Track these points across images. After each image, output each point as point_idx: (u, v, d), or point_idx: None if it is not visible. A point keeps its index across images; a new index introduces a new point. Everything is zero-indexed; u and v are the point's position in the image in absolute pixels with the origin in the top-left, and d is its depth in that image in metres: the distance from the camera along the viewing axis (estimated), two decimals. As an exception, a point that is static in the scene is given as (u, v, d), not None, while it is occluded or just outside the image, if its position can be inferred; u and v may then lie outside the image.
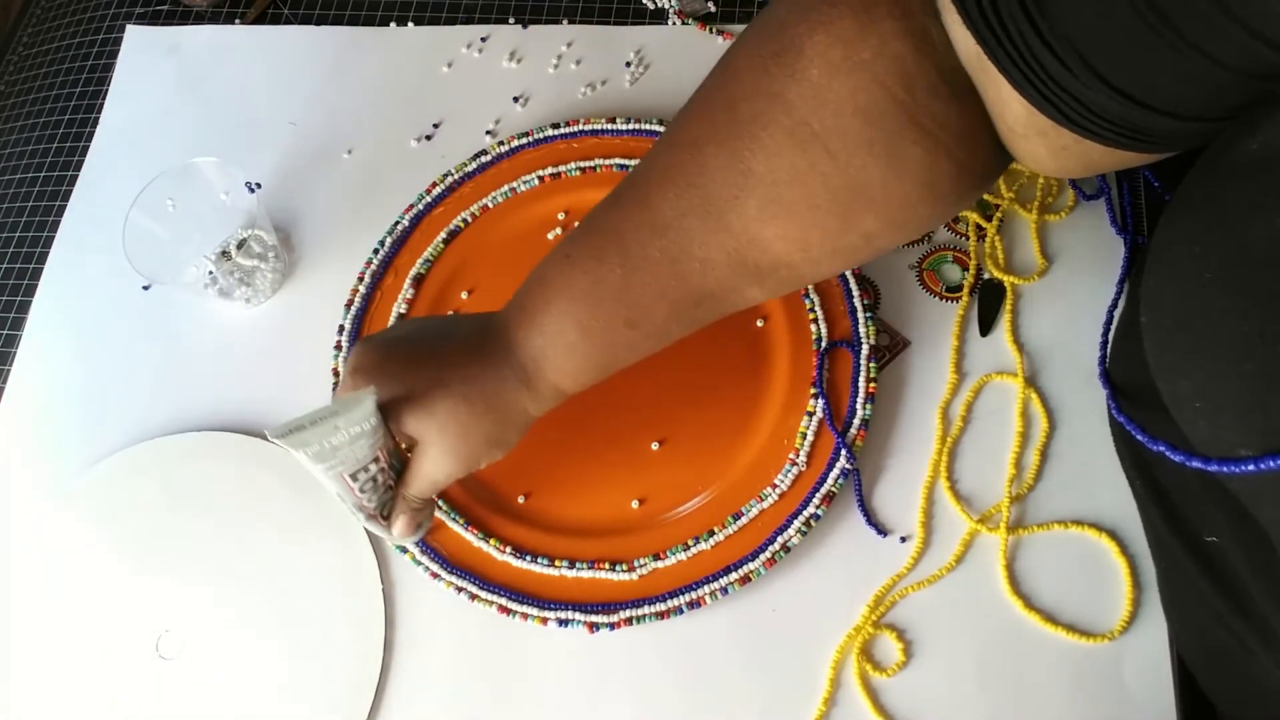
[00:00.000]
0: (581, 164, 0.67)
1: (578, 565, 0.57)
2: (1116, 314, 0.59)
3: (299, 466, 0.61)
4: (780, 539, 0.56)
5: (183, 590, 0.60)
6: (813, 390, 0.59)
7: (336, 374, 0.63)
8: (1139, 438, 0.43)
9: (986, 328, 0.61)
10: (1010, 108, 0.38)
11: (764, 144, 0.41)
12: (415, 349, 0.49)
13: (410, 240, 0.67)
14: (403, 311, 0.65)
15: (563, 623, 0.55)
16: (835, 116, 0.40)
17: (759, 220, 0.43)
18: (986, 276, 0.63)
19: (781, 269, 0.45)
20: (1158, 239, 0.35)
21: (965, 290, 0.62)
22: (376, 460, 0.48)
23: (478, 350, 0.49)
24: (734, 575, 0.55)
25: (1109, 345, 0.57)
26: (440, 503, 0.59)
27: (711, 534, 0.57)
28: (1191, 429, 0.34)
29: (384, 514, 0.51)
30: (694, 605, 0.55)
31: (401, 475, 0.51)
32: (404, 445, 0.52)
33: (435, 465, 0.49)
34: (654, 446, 0.60)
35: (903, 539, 0.57)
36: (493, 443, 0.50)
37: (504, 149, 0.69)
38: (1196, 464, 0.34)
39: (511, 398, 0.49)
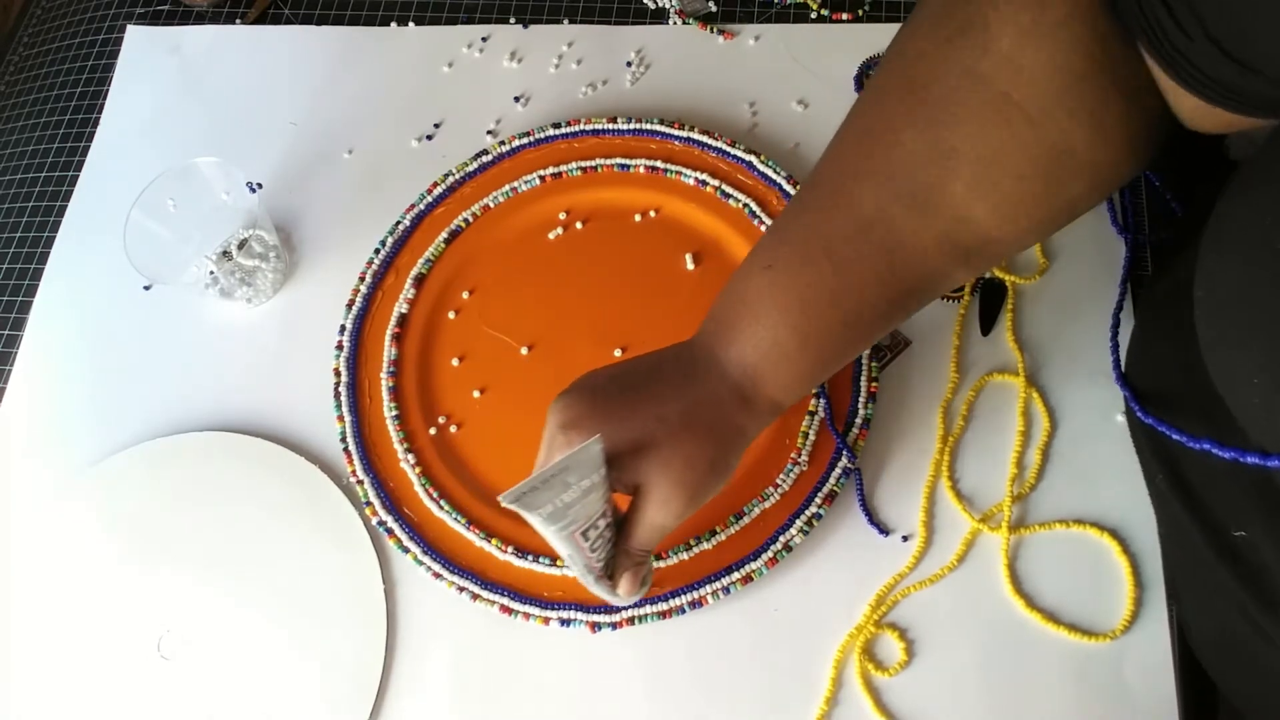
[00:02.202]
0: (582, 164, 0.67)
1: (579, 565, 0.57)
2: (1122, 316, 0.59)
3: (299, 467, 0.62)
4: (782, 538, 0.56)
5: (184, 590, 0.60)
6: (814, 390, 0.59)
7: (338, 374, 0.63)
8: (1176, 437, 0.43)
9: (987, 327, 0.61)
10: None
11: (964, 122, 0.41)
12: (622, 392, 0.47)
13: (411, 240, 0.67)
14: (404, 312, 0.65)
15: (564, 622, 0.55)
16: (1033, 84, 0.39)
17: (967, 200, 0.43)
18: (987, 275, 0.63)
19: (989, 246, 0.45)
20: (1219, 214, 0.35)
21: (966, 289, 0.62)
22: (605, 515, 0.47)
23: (687, 379, 0.47)
24: (736, 575, 0.55)
25: (1120, 349, 0.57)
26: (441, 502, 0.59)
27: (713, 533, 0.57)
28: (1245, 409, 0.34)
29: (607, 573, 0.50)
30: (696, 605, 0.55)
31: (621, 530, 0.49)
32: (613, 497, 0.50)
33: (662, 508, 0.47)
34: (655, 446, 0.60)
35: (904, 538, 0.57)
36: (717, 471, 0.48)
37: (505, 149, 0.69)
38: (1252, 459, 0.34)
39: (731, 420, 0.47)
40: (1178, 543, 0.50)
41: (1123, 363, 0.57)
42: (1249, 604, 0.43)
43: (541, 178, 0.68)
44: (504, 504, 0.43)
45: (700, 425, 0.47)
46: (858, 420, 0.58)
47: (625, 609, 0.55)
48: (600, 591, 0.50)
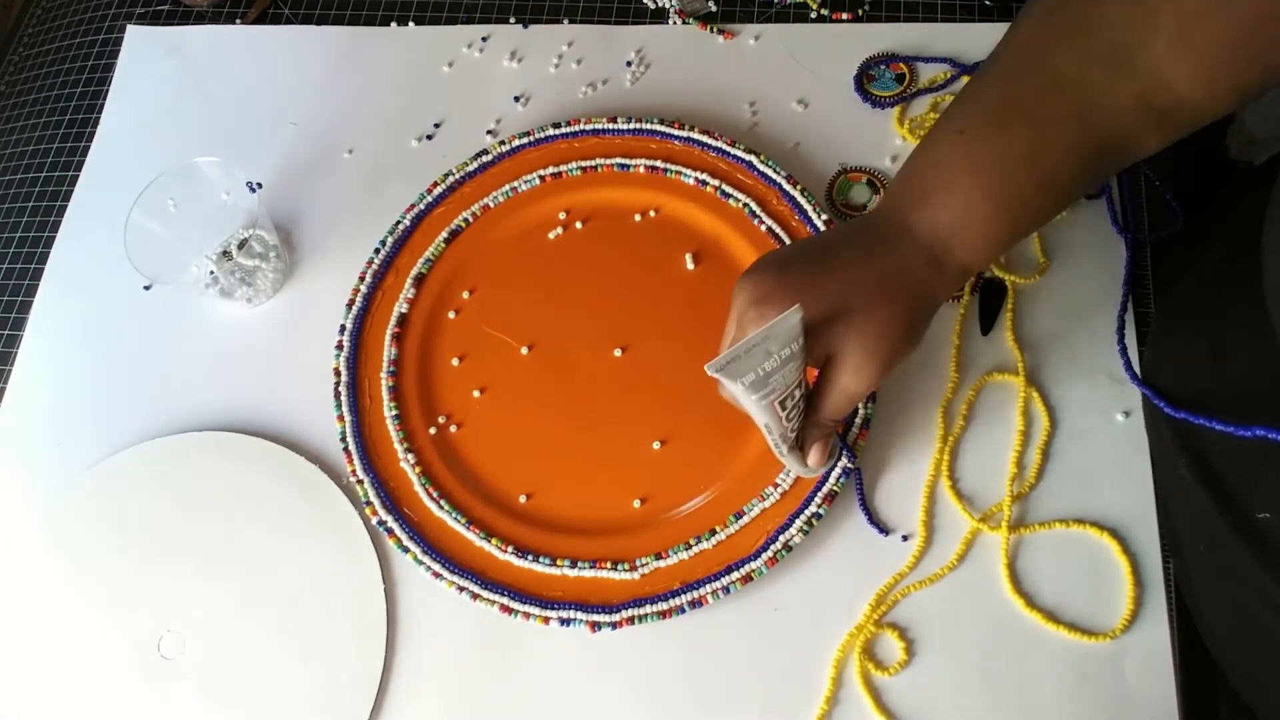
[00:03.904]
0: (583, 163, 0.67)
1: (579, 564, 0.57)
2: (1128, 317, 0.59)
3: (299, 467, 0.62)
4: (782, 538, 0.56)
5: (184, 590, 0.60)
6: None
7: (338, 373, 0.63)
8: (1221, 428, 0.44)
9: (988, 326, 0.61)
10: None
11: None
12: (811, 263, 0.48)
13: (411, 240, 0.67)
14: (404, 311, 0.65)
15: (564, 622, 0.55)
16: None
17: (1167, 60, 0.43)
18: (987, 275, 0.63)
19: (1185, 109, 0.44)
20: None
21: (966, 289, 0.62)
22: (801, 385, 0.47)
23: (878, 245, 0.48)
24: (736, 574, 0.55)
25: (1128, 350, 0.58)
26: (441, 502, 0.59)
27: (713, 533, 0.57)
28: None
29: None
30: (696, 604, 0.55)
31: (810, 401, 0.50)
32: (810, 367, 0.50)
33: (855, 375, 0.47)
34: (655, 446, 0.60)
35: (904, 538, 0.57)
36: (908, 337, 0.48)
37: (505, 148, 0.69)
38: None
39: (922, 283, 0.48)
40: (1197, 534, 0.51)
41: (1135, 363, 0.57)
42: (1270, 586, 0.43)
43: (541, 177, 0.68)
44: (709, 372, 0.44)
45: (894, 290, 0.47)
46: (858, 420, 0.58)
47: (624, 610, 0.55)
48: (791, 461, 0.51)
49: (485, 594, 0.56)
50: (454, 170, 0.69)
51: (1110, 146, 0.46)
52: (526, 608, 0.56)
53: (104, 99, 0.78)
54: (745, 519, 0.57)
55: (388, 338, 0.64)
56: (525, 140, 0.69)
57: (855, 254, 0.48)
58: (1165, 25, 0.42)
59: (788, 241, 0.63)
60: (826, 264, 0.48)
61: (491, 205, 0.68)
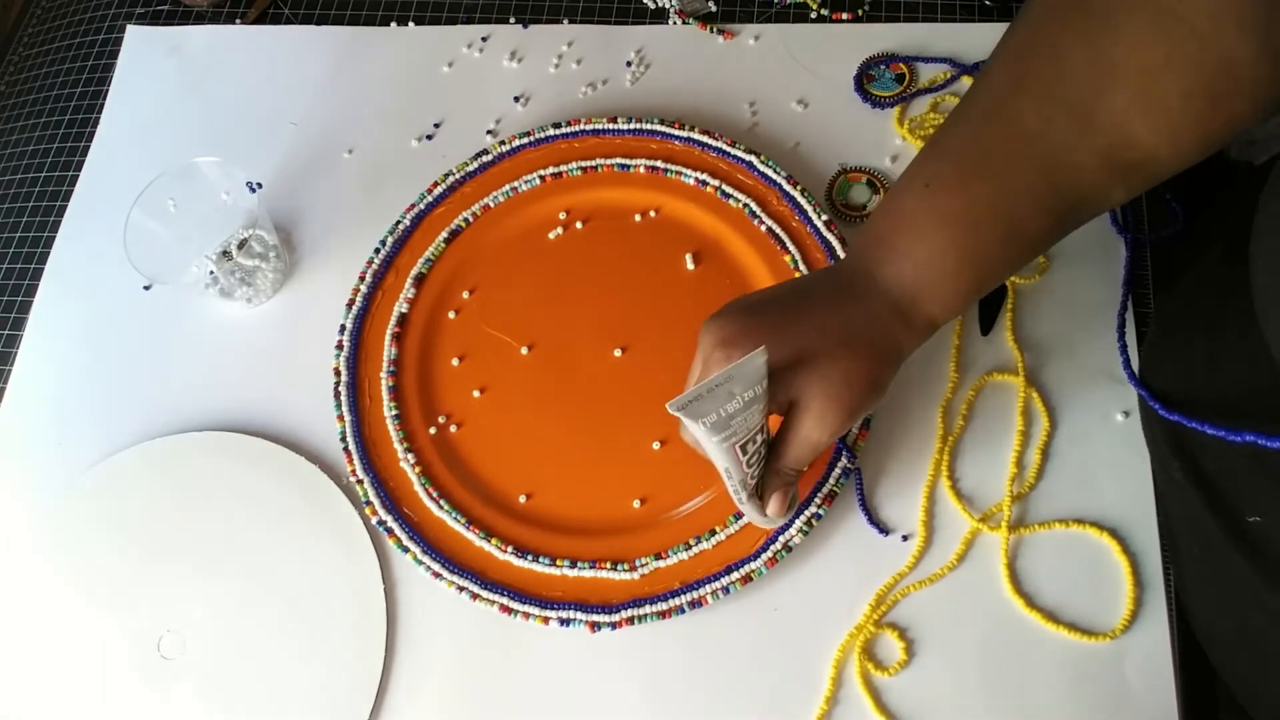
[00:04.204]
0: (583, 163, 0.67)
1: (579, 564, 0.57)
2: (1128, 317, 0.59)
3: (299, 467, 0.62)
4: (782, 538, 0.56)
5: (184, 590, 0.60)
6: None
7: (337, 373, 0.63)
8: (1213, 432, 0.44)
9: (987, 326, 0.61)
10: None
11: (1126, 35, 0.41)
12: (778, 309, 0.48)
13: (411, 240, 0.67)
14: (404, 311, 0.65)
15: (564, 622, 0.55)
16: None
17: (1128, 114, 0.43)
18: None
19: (1148, 164, 0.44)
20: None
21: (966, 289, 0.62)
22: (763, 430, 0.47)
23: (844, 297, 0.48)
24: (736, 574, 0.55)
25: (1128, 349, 0.58)
26: (441, 502, 0.59)
27: (713, 533, 0.57)
28: None
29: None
30: (695, 604, 0.55)
31: (772, 449, 0.49)
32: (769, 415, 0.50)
33: (817, 423, 0.47)
34: (655, 446, 0.60)
35: (904, 538, 0.57)
36: (873, 387, 0.47)
37: (505, 148, 0.69)
38: None
39: (888, 336, 0.47)
40: (1191, 536, 0.51)
41: (1133, 363, 0.57)
42: (1261, 589, 0.43)
43: (541, 177, 0.68)
44: (670, 410, 0.44)
45: (859, 341, 0.47)
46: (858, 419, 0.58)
47: (623, 610, 0.55)
48: (750, 511, 0.50)
49: (485, 594, 0.56)
50: (454, 170, 0.69)
51: (1075, 200, 0.46)
52: (526, 608, 0.56)
53: (104, 99, 0.78)
54: (745, 519, 0.57)
55: (388, 338, 0.64)
56: (525, 140, 0.69)
57: (823, 303, 0.48)
58: (1126, 80, 0.42)
59: (788, 242, 0.63)
60: (794, 311, 0.48)
61: (492, 205, 0.68)
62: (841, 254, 0.62)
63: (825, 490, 0.56)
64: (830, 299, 0.48)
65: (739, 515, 0.57)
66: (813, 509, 0.56)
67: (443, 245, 0.67)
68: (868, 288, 0.48)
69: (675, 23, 0.74)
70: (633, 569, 0.56)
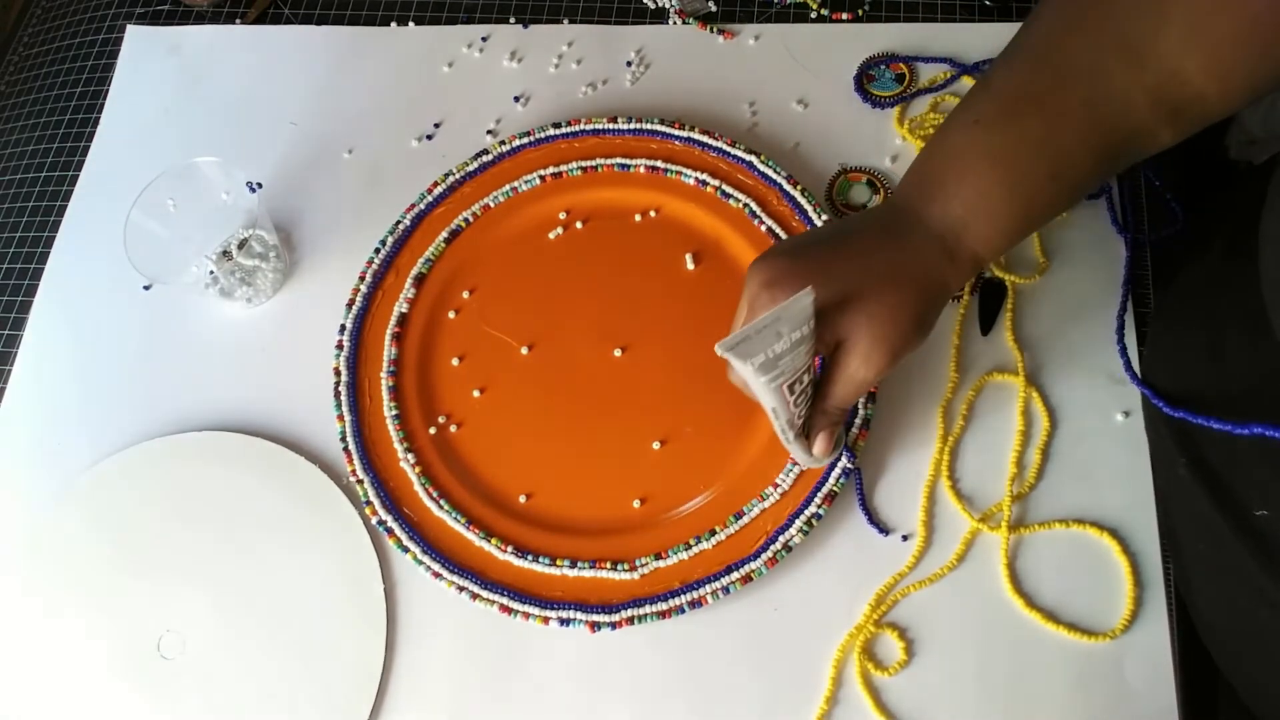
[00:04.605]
0: (583, 163, 0.67)
1: (579, 564, 0.57)
2: (1128, 318, 0.59)
3: (299, 467, 0.62)
4: (782, 538, 0.56)
5: (184, 590, 0.60)
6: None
7: (337, 373, 0.63)
8: (1219, 427, 0.45)
9: (987, 326, 0.61)
10: None
11: None
12: (824, 249, 0.48)
13: (411, 240, 0.67)
14: (404, 311, 0.65)
15: (564, 622, 0.55)
16: None
17: (1179, 52, 0.43)
18: (987, 275, 0.63)
19: (1198, 105, 0.44)
20: None
21: (966, 289, 0.62)
22: (810, 371, 0.47)
23: (891, 236, 0.48)
24: (735, 574, 0.55)
25: (1128, 350, 0.58)
26: (441, 501, 0.59)
27: (713, 533, 0.57)
28: None
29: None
30: (695, 605, 0.55)
31: (819, 390, 0.49)
32: (819, 355, 0.50)
33: (864, 362, 0.47)
34: (655, 446, 0.60)
35: (904, 538, 0.57)
36: (918, 326, 0.47)
37: (505, 148, 0.69)
38: None
39: (935, 273, 0.47)
40: (1196, 533, 0.51)
41: (1134, 363, 0.57)
42: (1269, 584, 0.43)
43: (542, 177, 0.68)
44: (719, 352, 0.44)
45: (905, 278, 0.47)
46: (857, 420, 0.58)
47: (623, 610, 0.55)
48: (796, 450, 0.51)
49: (485, 594, 0.56)
50: (454, 170, 0.69)
51: (1123, 140, 0.46)
52: (526, 608, 0.56)
53: (104, 99, 0.78)
54: (745, 519, 0.57)
55: (388, 337, 0.64)
56: (525, 140, 0.69)
57: (869, 241, 0.48)
58: (1177, 17, 0.42)
59: (788, 241, 0.63)
60: (840, 250, 0.48)
61: (492, 205, 0.68)
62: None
63: (825, 490, 0.56)
64: (876, 238, 0.48)
65: (739, 515, 0.57)
66: (813, 509, 0.56)
67: (443, 245, 0.67)
68: (913, 225, 0.48)
69: (675, 23, 0.74)
70: (633, 569, 0.56)
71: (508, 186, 0.68)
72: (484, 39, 0.75)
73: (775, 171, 0.65)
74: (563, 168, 0.67)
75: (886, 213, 0.49)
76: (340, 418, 0.62)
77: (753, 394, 0.48)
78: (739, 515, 0.57)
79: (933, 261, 0.47)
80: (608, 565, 0.57)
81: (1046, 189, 0.46)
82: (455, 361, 0.64)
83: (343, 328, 0.65)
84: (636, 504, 0.59)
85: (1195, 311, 0.54)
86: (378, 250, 0.67)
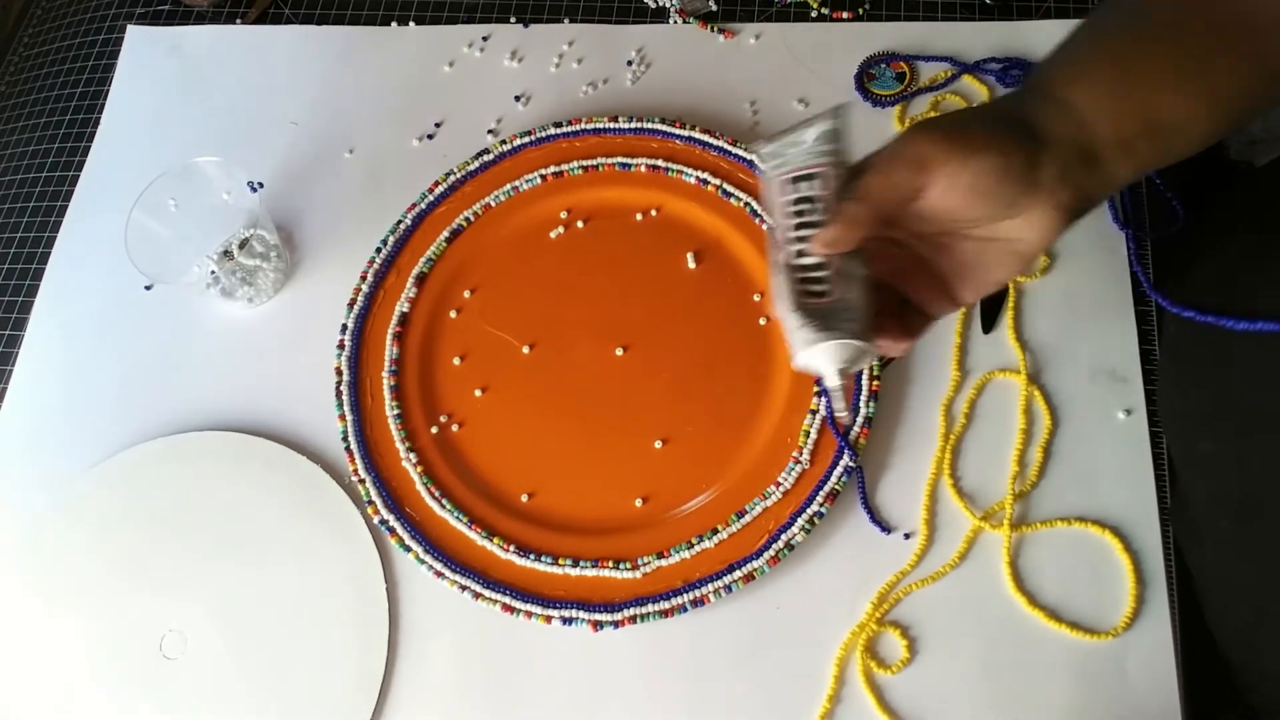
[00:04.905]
0: (584, 162, 0.67)
1: (581, 563, 0.57)
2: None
3: (301, 466, 0.62)
4: (784, 537, 0.56)
5: (186, 589, 0.60)
6: (815, 388, 0.59)
7: (339, 373, 0.63)
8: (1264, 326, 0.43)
9: (989, 325, 0.61)
10: None
11: None
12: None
13: (413, 239, 0.67)
14: (405, 311, 0.65)
15: (566, 621, 0.55)
16: None
17: None
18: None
19: None
20: None
21: (968, 288, 0.62)
22: (818, 172, 0.41)
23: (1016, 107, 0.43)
24: (738, 573, 0.55)
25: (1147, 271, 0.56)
26: (443, 501, 0.59)
27: (715, 532, 0.57)
28: None
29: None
30: (698, 603, 0.55)
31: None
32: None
33: (945, 189, 0.40)
34: (657, 445, 0.60)
35: (906, 536, 0.57)
36: (1004, 177, 0.40)
37: (506, 148, 0.69)
38: None
39: (1026, 120, 0.42)
40: (1219, 510, 0.50)
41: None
42: None
43: (543, 177, 0.68)
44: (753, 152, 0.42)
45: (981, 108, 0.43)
46: (859, 418, 0.58)
47: (626, 609, 0.55)
48: (776, 282, 0.42)
49: (487, 593, 0.56)
50: (455, 169, 0.69)
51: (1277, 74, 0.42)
52: (528, 607, 0.56)
53: (104, 99, 0.78)
54: (747, 518, 0.57)
55: (389, 337, 0.64)
56: (526, 139, 0.69)
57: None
58: None
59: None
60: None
61: (493, 204, 0.68)
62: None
63: (827, 489, 0.56)
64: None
65: (741, 514, 0.57)
66: (815, 507, 0.56)
67: (444, 244, 0.67)
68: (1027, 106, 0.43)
69: (676, 22, 0.74)
70: (635, 568, 0.56)
71: (509, 186, 0.68)
72: (485, 38, 0.75)
73: (776, 170, 0.65)
74: (564, 167, 0.68)
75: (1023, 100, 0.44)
76: (342, 417, 0.62)
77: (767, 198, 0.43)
78: (741, 514, 0.57)
79: (1038, 118, 0.42)
80: (610, 564, 0.57)
81: (1198, 111, 0.42)
82: (457, 361, 0.64)
83: (344, 327, 0.65)
84: (638, 503, 0.59)
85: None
86: (379, 250, 0.67)
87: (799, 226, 0.41)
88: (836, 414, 0.42)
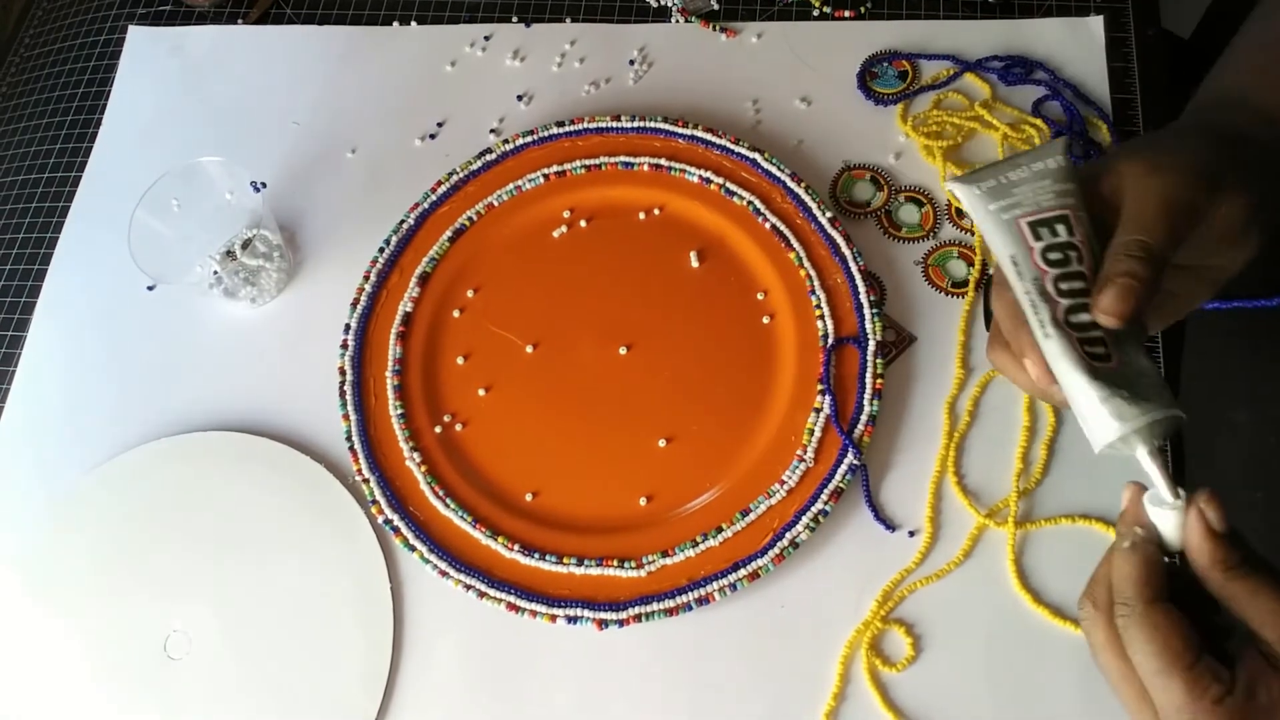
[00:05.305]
0: (586, 162, 0.67)
1: (586, 562, 0.57)
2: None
3: (305, 466, 0.62)
4: (788, 535, 0.56)
5: (191, 590, 0.60)
6: (820, 387, 0.59)
7: (343, 373, 0.63)
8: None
9: (992, 323, 0.61)
10: None
11: None
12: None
13: (416, 239, 0.67)
14: (409, 310, 0.65)
15: (571, 620, 0.55)
16: None
17: None
18: (992, 272, 0.63)
19: None
20: None
21: (971, 286, 0.62)
22: (1066, 220, 0.37)
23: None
24: (742, 572, 0.55)
25: None
26: (447, 500, 0.59)
27: (719, 530, 0.57)
28: None
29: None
30: (703, 602, 0.55)
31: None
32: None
33: (1162, 178, 0.37)
34: (661, 444, 0.60)
35: (911, 534, 0.57)
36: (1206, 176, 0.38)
37: (508, 147, 0.69)
38: None
39: (1225, 132, 0.41)
40: (1254, 480, 0.49)
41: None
42: None
43: (545, 176, 0.68)
44: (946, 186, 0.40)
45: (1181, 130, 0.41)
46: (863, 417, 0.58)
47: (630, 607, 0.55)
48: (1054, 347, 0.36)
49: (492, 592, 0.56)
50: (458, 169, 0.69)
51: None
52: (533, 606, 0.56)
53: (106, 99, 0.78)
54: (751, 516, 0.57)
55: (392, 336, 0.64)
56: (529, 139, 0.69)
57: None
58: None
59: (792, 239, 0.63)
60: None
61: (495, 204, 0.68)
62: (846, 251, 0.62)
63: (831, 487, 0.56)
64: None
65: (745, 512, 0.57)
66: (819, 506, 0.56)
67: (447, 244, 0.67)
68: (1186, 117, 0.43)
69: (678, 21, 0.74)
70: (639, 566, 0.56)
71: (511, 185, 0.68)
72: (486, 38, 0.75)
73: (779, 169, 0.65)
74: (566, 166, 0.68)
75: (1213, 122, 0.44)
76: (345, 417, 0.62)
77: (989, 249, 0.38)
78: (745, 512, 0.57)
79: (1224, 120, 0.41)
80: (614, 563, 0.57)
81: None
82: (460, 360, 0.64)
83: (347, 327, 0.65)
84: (643, 502, 0.59)
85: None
86: (382, 249, 0.67)
87: (1063, 278, 0.36)
88: (1162, 497, 0.34)
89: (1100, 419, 0.35)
